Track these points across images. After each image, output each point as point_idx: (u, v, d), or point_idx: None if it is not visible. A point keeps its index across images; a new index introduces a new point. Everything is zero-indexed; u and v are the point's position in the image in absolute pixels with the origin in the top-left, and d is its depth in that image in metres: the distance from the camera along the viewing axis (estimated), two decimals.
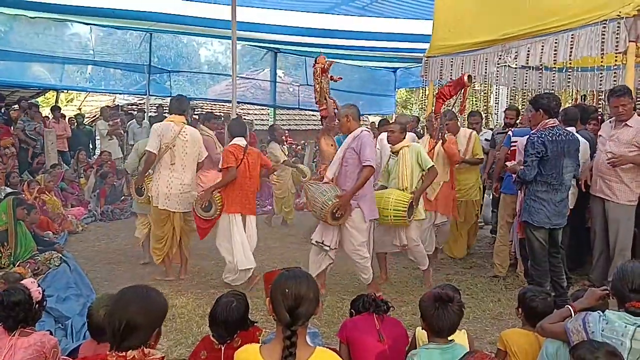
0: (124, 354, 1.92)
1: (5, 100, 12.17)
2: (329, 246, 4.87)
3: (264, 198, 10.13)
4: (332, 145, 5.28)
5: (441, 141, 5.78)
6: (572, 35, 5.53)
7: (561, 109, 5.04)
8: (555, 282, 4.54)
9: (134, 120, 12.48)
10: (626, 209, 4.99)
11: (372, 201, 4.92)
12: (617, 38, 5.08)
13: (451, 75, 7.10)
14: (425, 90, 8.45)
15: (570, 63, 6.33)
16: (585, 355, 2.13)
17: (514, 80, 8.91)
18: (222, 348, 2.76)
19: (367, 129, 4.97)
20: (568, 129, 4.72)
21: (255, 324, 2.96)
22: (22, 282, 3.04)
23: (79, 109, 17.42)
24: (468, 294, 5.08)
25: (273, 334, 2.16)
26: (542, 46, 5.85)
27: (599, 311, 2.36)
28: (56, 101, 15.16)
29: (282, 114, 18.26)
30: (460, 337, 2.75)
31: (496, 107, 11.02)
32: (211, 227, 5.44)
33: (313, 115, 17.68)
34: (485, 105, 11.85)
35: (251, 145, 5.78)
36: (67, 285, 5.24)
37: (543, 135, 4.36)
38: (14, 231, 5.92)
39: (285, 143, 9.67)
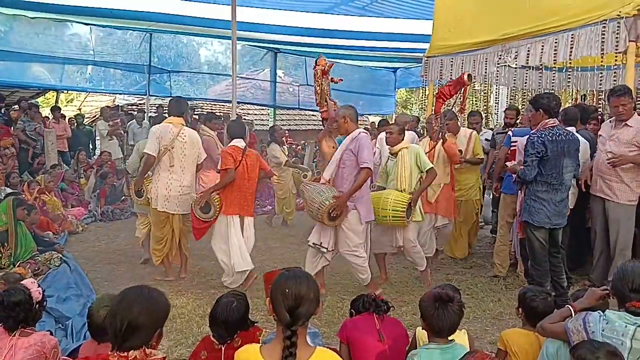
0: (125, 354, 1.92)
1: (5, 101, 12.18)
2: (327, 248, 4.88)
3: (264, 198, 10.14)
4: (333, 147, 5.27)
5: (441, 141, 5.77)
6: (572, 35, 5.53)
7: (561, 108, 5.04)
8: (556, 282, 4.54)
9: (134, 120, 12.47)
10: (626, 208, 4.99)
11: (369, 203, 4.93)
12: (617, 38, 5.08)
13: (451, 75, 7.10)
14: (425, 90, 8.45)
15: (570, 63, 6.33)
16: (586, 355, 2.13)
17: (514, 80, 8.91)
18: (223, 348, 2.76)
19: (364, 131, 4.96)
20: (568, 128, 4.72)
21: (255, 324, 2.96)
22: (22, 282, 3.04)
23: (79, 109, 17.43)
24: (468, 293, 5.07)
25: (273, 334, 2.16)
26: (542, 46, 5.85)
27: (599, 311, 2.36)
28: (56, 101, 15.17)
29: (282, 114, 18.26)
30: (460, 337, 2.75)
31: (496, 107, 11.03)
32: (208, 228, 5.43)
33: (313, 115, 17.70)
34: (485, 105, 11.86)
35: (251, 145, 5.79)
36: (68, 286, 5.24)
37: (543, 135, 4.36)
38: (14, 231, 5.92)
39: (285, 143, 9.66)
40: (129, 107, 16.12)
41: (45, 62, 12.58)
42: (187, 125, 5.72)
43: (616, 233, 5.02)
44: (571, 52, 5.56)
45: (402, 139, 5.26)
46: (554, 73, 7.65)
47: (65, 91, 16.63)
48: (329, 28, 10.36)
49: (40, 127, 10.61)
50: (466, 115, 7.14)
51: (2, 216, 5.91)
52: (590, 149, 5.35)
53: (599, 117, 6.06)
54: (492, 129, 8.50)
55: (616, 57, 5.71)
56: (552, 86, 7.91)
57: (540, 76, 8.66)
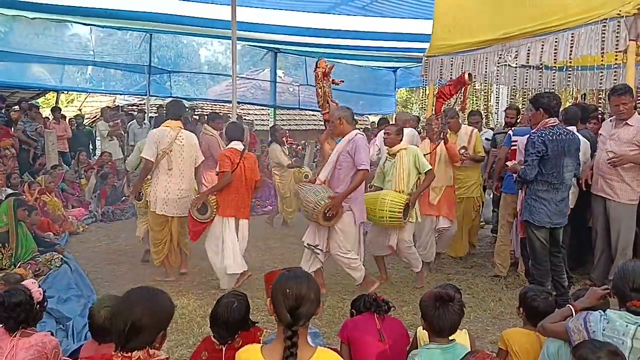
0: (129, 354, 1.92)
1: (6, 102, 12.17)
2: (322, 250, 4.89)
3: (265, 198, 10.13)
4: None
5: (443, 140, 5.76)
6: (573, 34, 5.53)
7: (561, 108, 5.04)
8: (557, 281, 4.54)
9: (135, 120, 12.47)
10: (627, 208, 4.99)
11: (362, 204, 4.95)
12: (617, 37, 5.08)
13: (451, 74, 7.10)
14: (425, 89, 8.46)
15: (570, 62, 6.32)
16: (587, 354, 2.13)
17: (514, 79, 8.90)
18: (223, 348, 2.77)
19: (360, 132, 4.97)
20: (568, 128, 4.71)
21: (256, 325, 2.96)
22: (23, 283, 3.04)
23: (79, 110, 17.44)
24: (469, 293, 5.08)
25: (274, 334, 2.16)
26: (542, 45, 5.85)
27: (600, 310, 2.36)
28: (56, 102, 15.15)
29: (282, 114, 18.25)
30: (461, 337, 2.75)
31: (496, 107, 11.03)
32: (204, 229, 5.44)
33: (313, 115, 17.70)
34: (485, 105, 11.86)
35: (252, 145, 5.80)
36: (68, 286, 5.24)
37: (543, 135, 4.36)
38: (14, 232, 5.92)
39: (286, 143, 9.66)
40: (129, 107, 16.11)
41: (46, 63, 12.58)
42: (186, 127, 5.73)
43: (617, 232, 5.03)
44: (571, 51, 5.56)
45: (401, 140, 5.26)
46: (554, 72, 7.64)
47: (66, 92, 16.61)
48: (329, 28, 10.34)
49: (40, 127, 10.61)
50: (466, 115, 7.14)
51: (3, 217, 5.91)
52: (591, 148, 5.35)
53: (600, 116, 6.05)
54: (492, 129, 8.50)
55: (616, 56, 5.71)
56: (553, 85, 7.90)
57: (540, 75, 8.65)
